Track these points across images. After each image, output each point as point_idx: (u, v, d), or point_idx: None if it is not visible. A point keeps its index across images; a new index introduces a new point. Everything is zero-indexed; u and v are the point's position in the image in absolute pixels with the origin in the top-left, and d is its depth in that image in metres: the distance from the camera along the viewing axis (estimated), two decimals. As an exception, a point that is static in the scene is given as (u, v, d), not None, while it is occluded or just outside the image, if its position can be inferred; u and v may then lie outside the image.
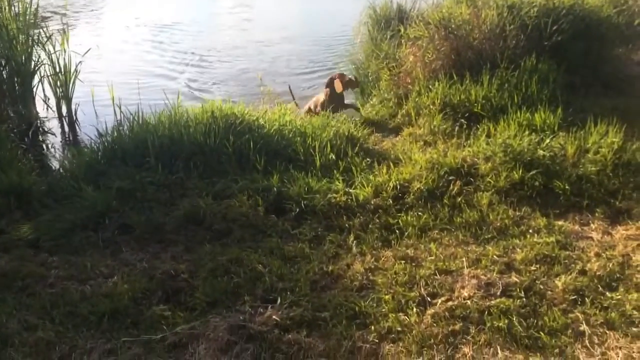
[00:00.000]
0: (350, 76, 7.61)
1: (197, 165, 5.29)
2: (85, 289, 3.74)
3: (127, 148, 5.50)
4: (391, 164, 5.25)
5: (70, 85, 7.66)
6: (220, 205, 4.73)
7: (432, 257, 4.03)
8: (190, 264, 4.03)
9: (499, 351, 3.16)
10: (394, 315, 3.45)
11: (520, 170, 4.88)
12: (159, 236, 4.42)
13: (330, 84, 7.20)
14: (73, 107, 7.58)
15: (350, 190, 4.88)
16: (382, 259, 4.07)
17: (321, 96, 7.38)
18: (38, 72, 7.51)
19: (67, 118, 7.67)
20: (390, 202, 4.74)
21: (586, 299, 3.54)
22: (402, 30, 7.65)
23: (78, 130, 7.40)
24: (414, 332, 3.31)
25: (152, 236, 4.42)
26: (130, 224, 4.51)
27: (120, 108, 6.60)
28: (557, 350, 3.15)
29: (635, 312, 3.40)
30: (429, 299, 3.61)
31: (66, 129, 7.42)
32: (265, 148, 5.49)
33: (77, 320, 3.47)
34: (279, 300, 3.61)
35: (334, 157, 5.48)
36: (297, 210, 4.68)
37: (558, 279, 3.74)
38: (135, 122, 5.99)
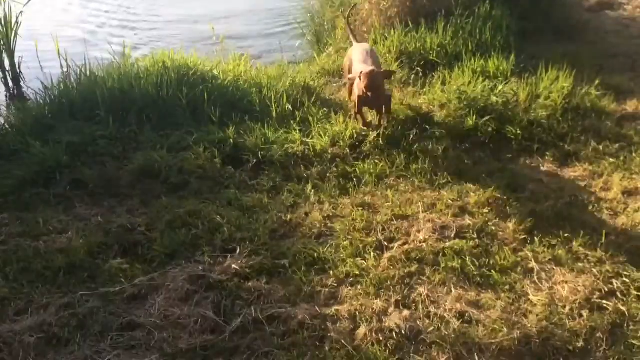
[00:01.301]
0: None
1: (150, 118, 5.16)
2: (39, 245, 3.66)
3: (75, 101, 5.31)
4: (347, 114, 5.24)
5: (12, 37, 7.25)
6: (175, 158, 4.65)
7: (389, 204, 4.10)
8: (147, 218, 3.98)
9: (453, 289, 3.28)
10: (352, 260, 3.52)
11: (474, 117, 4.96)
12: (113, 191, 4.33)
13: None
14: (16, 60, 7.20)
15: (308, 140, 4.87)
16: (340, 206, 4.11)
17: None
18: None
19: (10, 72, 7.29)
20: (348, 151, 4.76)
21: (535, 238, 3.69)
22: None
23: (23, 84, 7.06)
24: (371, 275, 3.39)
25: (106, 191, 4.32)
26: (82, 179, 4.40)
27: (66, 61, 6.31)
28: (507, 287, 3.29)
29: (581, 249, 3.56)
30: (385, 243, 3.69)
31: (10, 83, 7.05)
32: (220, 99, 5.38)
33: (31, 276, 3.41)
34: (238, 250, 3.63)
35: (290, 107, 5.43)
36: (255, 161, 4.65)
37: (509, 220, 3.87)
38: (83, 75, 5.76)
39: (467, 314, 3.08)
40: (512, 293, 3.25)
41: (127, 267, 3.48)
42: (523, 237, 3.71)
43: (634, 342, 2.86)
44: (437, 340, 2.91)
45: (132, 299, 3.24)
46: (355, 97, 4.95)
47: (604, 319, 3.01)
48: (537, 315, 3.06)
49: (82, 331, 2.99)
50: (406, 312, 3.11)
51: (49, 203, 4.19)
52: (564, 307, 3.11)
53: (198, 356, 2.85)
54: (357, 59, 5.06)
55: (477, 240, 3.68)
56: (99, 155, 4.67)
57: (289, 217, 4.00)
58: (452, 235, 3.73)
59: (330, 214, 4.04)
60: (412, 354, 2.84)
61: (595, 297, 3.18)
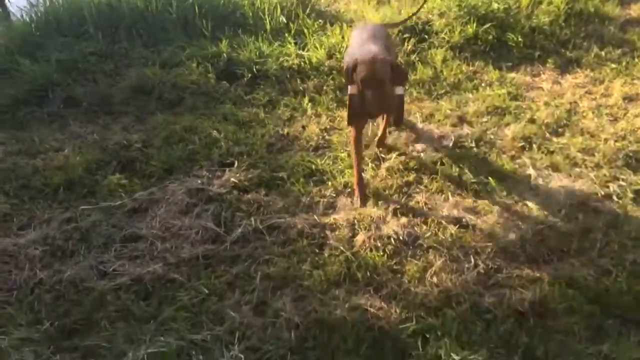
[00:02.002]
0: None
1: (140, 34, 5.01)
2: (37, 163, 3.65)
3: (63, 18, 5.13)
4: (344, 25, 5.08)
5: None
6: (169, 74, 4.55)
7: (387, 114, 4.05)
8: (142, 134, 3.95)
9: (450, 197, 3.30)
10: (350, 171, 3.52)
11: (474, 24, 4.82)
12: (107, 108, 4.27)
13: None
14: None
15: (303, 53, 4.75)
16: (338, 119, 4.07)
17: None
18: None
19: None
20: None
21: (534, 145, 3.68)
22: None
23: (7, 1, 6.81)
24: (370, 185, 3.41)
25: (100, 108, 4.27)
26: (75, 97, 4.33)
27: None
28: (504, 193, 3.31)
29: (579, 154, 3.56)
30: (383, 155, 3.68)
31: (-6, 2, 6.80)
32: (211, 12, 5.19)
33: (31, 192, 3.43)
34: (236, 164, 3.62)
35: (284, 19, 5.25)
36: (249, 75, 4.56)
37: (508, 128, 3.85)
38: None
39: (463, 220, 3.12)
40: (509, 199, 3.27)
41: (126, 183, 3.49)
42: (521, 144, 3.69)
43: (627, 242, 2.91)
44: (434, 245, 2.96)
45: (133, 212, 3.27)
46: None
47: (598, 221, 3.05)
48: (533, 219, 3.09)
49: (86, 243, 3.04)
50: (404, 219, 3.14)
51: (43, 121, 4.14)
52: (560, 210, 3.14)
53: (200, 265, 2.91)
54: (354, 43, 3.46)
55: (475, 149, 3.67)
56: (90, 73, 4.57)
57: (285, 130, 3.97)
58: (450, 145, 3.72)
59: (328, 127, 4.00)
60: (409, 258, 2.89)
61: (591, 200, 3.21)
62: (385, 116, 3.55)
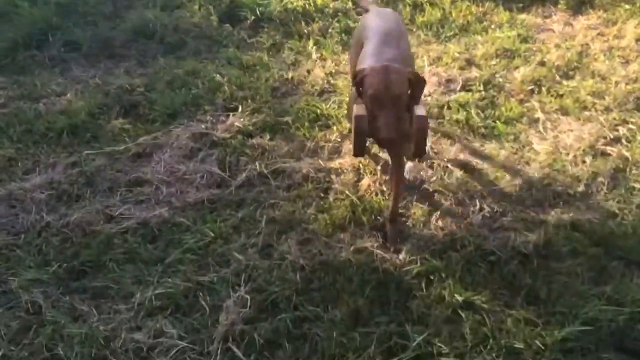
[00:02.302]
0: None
1: (140, -25, 4.87)
2: (39, 107, 3.63)
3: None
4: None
5: None
6: (170, 16, 4.47)
7: (393, 58, 3.96)
8: (145, 78, 3.90)
9: (457, 141, 3.27)
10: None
11: (485, -37, 4.64)
12: (108, 52, 4.21)
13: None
14: None
15: (308, -6, 4.62)
16: (343, 62, 3.99)
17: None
18: None
19: None
20: (350, 4, 4.54)
21: (543, 88, 3.61)
22: None
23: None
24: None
25: (101, 52, 4.20)
26: (76, 40, 4.26)
27: None
28: (511, 137, 3.28)
29: (589, 98, 3.50)
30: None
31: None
32: (213, -48, 5.02)
33: (35, 137, 3.41)
34: (240, 109, 3.58)
35: (288, -41, 5.08)
36: (253, 18, 4.46)
37: (517, 71, 3.77)
38: None
39: (470, 164, 3.09)
40: (517, 143, 3.23)
41: (130, 127, 3.46)
42: (530, 87, 3.62)
43: (635, 185, 2.89)
44: (440, 189, 2.95)
45: (137, 157, 3.26)
46: (351, 120, 2.46)
47: (606, 165, 3.01)
48: (540, 163, 3.07)
49: (91, 188, 3.04)
50: (409, 164, 3.11)
51: (44, 65, 4.09)
52: (568, 154, 3.11)
53: (206, 209, 2.91)
54: (370, 40, 2.71)
55: (483, 93, 3.60)
56: (90, 15, 4.50)
57: (290, 74, 3.91)
58: (458, 88, 3.65)
59: (333, 71, 3.93)
60: (414, 202, 2.88)
61: (599, 144, 3.17)
62: (394, 180, 2.69)
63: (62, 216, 2.84)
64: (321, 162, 3.18)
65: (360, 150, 2.44)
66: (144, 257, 2.63)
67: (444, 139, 3.30)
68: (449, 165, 3.09)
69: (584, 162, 3.06)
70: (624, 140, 3.18)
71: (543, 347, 2.15)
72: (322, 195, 2.98)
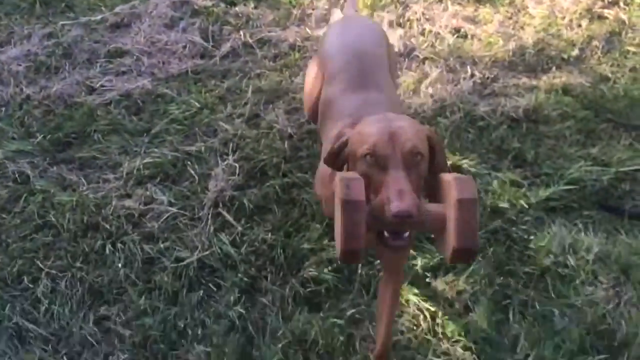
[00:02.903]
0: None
1: None
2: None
3: None
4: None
5: None
6: None
7: None
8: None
9: (450, 6, 3.13)
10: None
11: None
12: None
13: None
14: None
15: None
16: None
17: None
18: None
19: None
20: None
21: (542, -52, 3.40)
22: None
23: None
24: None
25: None
26: None
27: None
28: (507, 1, 3.14)
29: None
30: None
31: None
32: None
33: (7, 8, 3.25)
34: (221, -25, 3.38)
35: None
36: None
37: None
38: None
39: (462, 29, 2.99)
40: (512, 7, 3.11)
41: (106, -4, 3.28)
42: (529, -52, 3.41)
43: (630, 48, 2.83)
44: (431, 56, 2.87)
45: (115, 27, 3.12)
46: (335, 212, 1.32)
47: (602, 28, 2.93)
48: (534, 27, 2.97)
49: (69, 59, 2.93)
50: (400, 31, 3.01)
51: None
52: (563, 18, 3.00)
53: (190, 79, 2.83)
54: (335, 78, 1.83)
55: (478, -46, 3.39)
56: None
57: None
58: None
59: None
60: (405, 70, 2.81)
61: (597, 6, 3.06)
62: (389, 302, 1.67)
63: (42, 88, 2.76)
64: (308, 31, 3.07)
65: (350, 255, 1.26)
66: (128, 128, 2.59)
67: (437, 4, 3.17)
68: (441, 32, 2.98)
69: (579, 25, 2.96)
70: (621, 3, 3.06)
71: (527, 206, 2.19)
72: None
